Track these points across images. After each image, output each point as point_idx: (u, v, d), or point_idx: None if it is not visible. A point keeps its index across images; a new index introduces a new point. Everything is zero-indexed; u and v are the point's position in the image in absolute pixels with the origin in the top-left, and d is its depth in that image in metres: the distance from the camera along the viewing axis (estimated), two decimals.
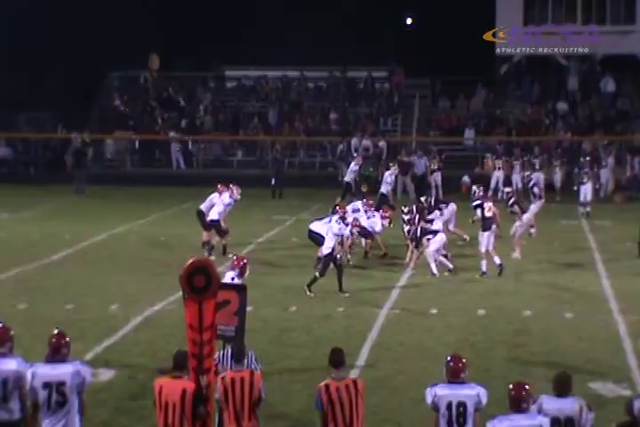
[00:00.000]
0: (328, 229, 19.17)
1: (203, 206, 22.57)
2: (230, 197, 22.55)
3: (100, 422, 11.40)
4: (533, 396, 8.54)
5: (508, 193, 23.48)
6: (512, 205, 22.60)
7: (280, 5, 43.86)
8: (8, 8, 40.83)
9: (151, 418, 10.33)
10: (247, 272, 13.64)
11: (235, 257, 13.99)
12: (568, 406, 8.55)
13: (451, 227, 23.57)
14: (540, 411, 8.53)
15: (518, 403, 8.42)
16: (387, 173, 28.19)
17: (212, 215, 22.06)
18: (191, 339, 8.86)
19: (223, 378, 9.13)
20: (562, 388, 8.68)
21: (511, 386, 8.54)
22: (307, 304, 17.56)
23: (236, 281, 13.12)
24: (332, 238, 18.70)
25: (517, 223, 22.59)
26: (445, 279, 19.84)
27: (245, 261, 13.67)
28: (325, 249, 18.63)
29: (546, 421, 8.40)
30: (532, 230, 24.16)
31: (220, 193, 22.58)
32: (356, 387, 8.95)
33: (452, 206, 23.55)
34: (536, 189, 25.42)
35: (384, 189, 27.46)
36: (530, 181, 27.49)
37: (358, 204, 22.91)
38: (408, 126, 42.03)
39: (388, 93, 43.34)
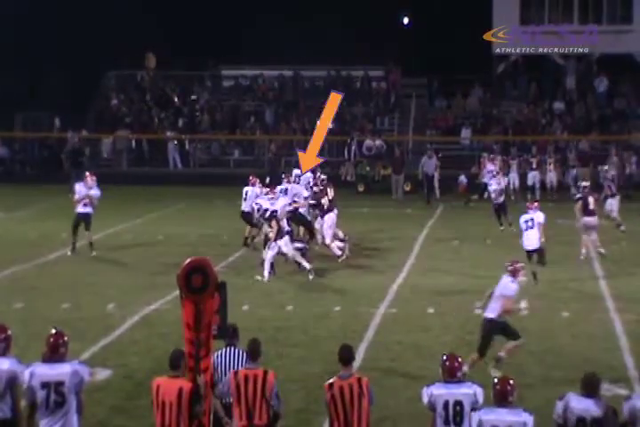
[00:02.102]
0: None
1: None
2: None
3: (97, 422, 11.40)
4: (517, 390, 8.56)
5: (584, 188, 22.88)
6: (579, 200, 22.03)
7: (277, 5, 43.87)
8: (8, 8, 40.82)
9: (147, 417, 10.33)
10: (519, 277, 13.80)
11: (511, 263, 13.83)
12: (595, 407, 8.50)
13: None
14: (566, 408, 8.52)
15: (504, 397, 8.43)
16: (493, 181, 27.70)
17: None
18: (188, 339, 8.86)
19: (236, 374, 9.16)
20: (589, 388, 8.61)
21: (496, 380, 8.56)
22: (303, 304, 17.57)
23: (514, 285, 13.46)
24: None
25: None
26: (443, 279, 19.84)
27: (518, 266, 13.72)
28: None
29: (530, 419, 8.39)
30: (623, 227, 24.45)
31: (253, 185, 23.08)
32: (360, 386, 8.93)
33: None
34: (613, 185, 25.69)
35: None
36: (607, 173, 27.67)
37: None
38: (405, 126, 42.05)
39: (385, 93, 43.35)
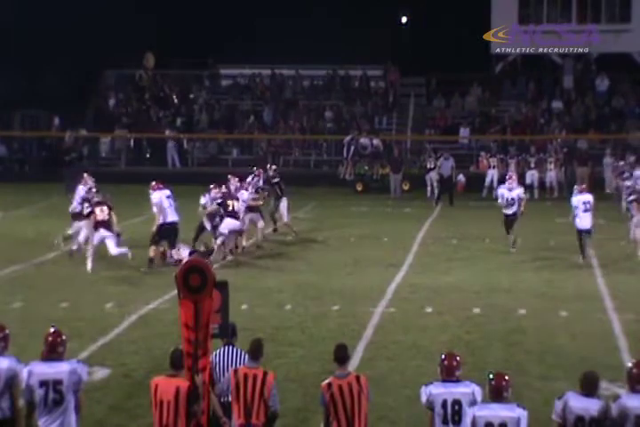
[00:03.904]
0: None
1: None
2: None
3: (95, 421, 11.38)
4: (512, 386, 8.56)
5: (628, 188, 23.10)
6: (631, 201, 22.07)
7: (275, 4, 43.88)
8: (7, 7, 40.82)
9: (146, 417, 10.34)
10: None
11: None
12: (594, 406, 8.47)
13: (286, 219, 24.69)
14: (565, 407, 8.49)
15: (499, 393, 8.43)
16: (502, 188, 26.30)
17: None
18: (186, 338, 8.86)
19: (236, 372, 9.17)
20: (589, 387, 8.59)
21: (491, 376, 8.55)
22: (301, 303, 17.57)
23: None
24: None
25: (634, 221, 21.89)
26: (441, 278, 19.85)
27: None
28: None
29: (524, 414, 8.38)
30: None
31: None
32: (359, 384, 8.93)
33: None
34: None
35: None
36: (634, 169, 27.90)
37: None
38: (403, 125, 42.06)
39: (384, 92, 43.36)
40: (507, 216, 22.46)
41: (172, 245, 20.71)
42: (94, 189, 21.73)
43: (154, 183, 21.86)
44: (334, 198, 34.27)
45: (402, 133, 41.64)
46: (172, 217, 20.89)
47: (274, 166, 26.42)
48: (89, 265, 20.29)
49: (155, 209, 21.14)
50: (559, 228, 25.38)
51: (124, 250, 20.58)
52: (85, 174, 23.87)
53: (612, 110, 40.82)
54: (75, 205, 21.99)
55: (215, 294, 9.29)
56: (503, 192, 22.57)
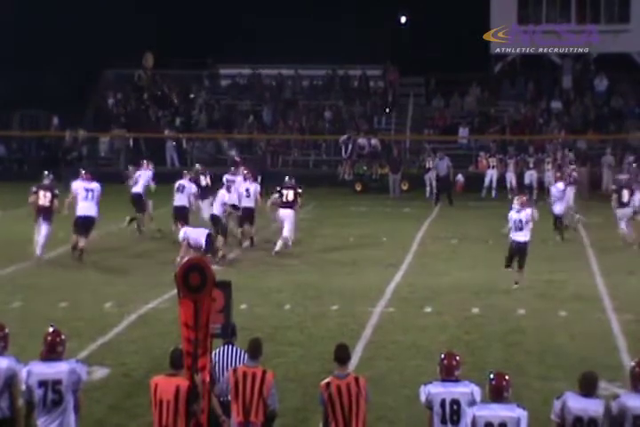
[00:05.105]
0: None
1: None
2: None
3: (95, 421, 11.39)
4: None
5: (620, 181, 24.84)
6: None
7: (275, 4, 43.89)
8: (6, 7, 40.82)
9: (145, 416, 10.34)
10: None
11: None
12: (593, 407, 8.47)
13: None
14: (564, 407, 8.50)
15: (500, 393, 8.43)
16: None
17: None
18: (186, 337, 8.86)
19: (235, 371, 9.19)
20: (588, 388, 8.58)
21: (492, 376, 8.55)
22: (301, 303, 17.58)
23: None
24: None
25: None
26: (440, 278, 19.86)
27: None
28: None
29: (524, 414, 8.38)
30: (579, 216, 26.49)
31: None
32: (357, 385, 8.93)
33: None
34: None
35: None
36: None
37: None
38: (402, 125, 42.07)
39: (383, 92, 43.38)
40: (516, 244, 18.89)
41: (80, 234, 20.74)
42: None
43: (83, 172, 21.88)
44: (334, 198, 34.29)
45: (401, 133, 41.65)
46: (84, 211, 20.82)
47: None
48: (38, 251, 20.69)
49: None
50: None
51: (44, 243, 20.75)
52: (145, 161, 26.05)
53: (610, 110, 40.84)
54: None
55: (218, 294, 9.30)
56: (511, 214, 18.85)
